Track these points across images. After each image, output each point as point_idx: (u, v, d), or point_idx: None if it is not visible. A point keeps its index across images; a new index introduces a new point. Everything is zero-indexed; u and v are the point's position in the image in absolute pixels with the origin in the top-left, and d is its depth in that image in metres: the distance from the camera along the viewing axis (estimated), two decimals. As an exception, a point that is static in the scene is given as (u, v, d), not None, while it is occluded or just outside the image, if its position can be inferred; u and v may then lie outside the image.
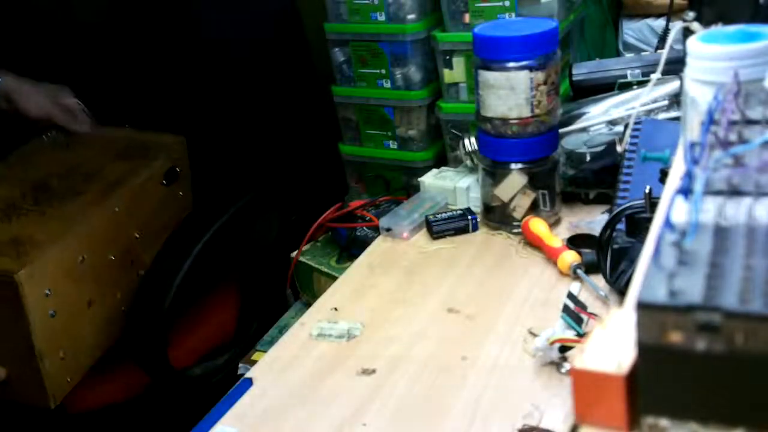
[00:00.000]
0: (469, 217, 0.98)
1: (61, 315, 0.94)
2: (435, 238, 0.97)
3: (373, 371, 0.74)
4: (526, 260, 0.90)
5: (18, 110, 1.11)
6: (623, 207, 0.76)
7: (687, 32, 0.74)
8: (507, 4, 1.05)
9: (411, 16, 1.13)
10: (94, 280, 1.01)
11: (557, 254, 0.85)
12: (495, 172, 0.95)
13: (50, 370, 0.93)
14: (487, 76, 0.90)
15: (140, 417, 1.12)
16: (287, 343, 0.81)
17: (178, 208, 1.20)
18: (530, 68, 0.87)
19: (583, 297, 0.79)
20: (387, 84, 1.18)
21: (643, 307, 0.26)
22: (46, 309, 0.92)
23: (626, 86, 1.04)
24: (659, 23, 1.81)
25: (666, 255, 0.29)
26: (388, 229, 1.00)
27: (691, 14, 0.76)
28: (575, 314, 0.74)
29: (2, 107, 1.10)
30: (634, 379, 0.28)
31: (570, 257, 0.83)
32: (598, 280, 0.80)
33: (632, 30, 1.90)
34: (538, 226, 0.90)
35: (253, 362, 0.96)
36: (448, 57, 1.12)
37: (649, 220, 0.72)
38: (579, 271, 0.82)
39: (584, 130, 0.97)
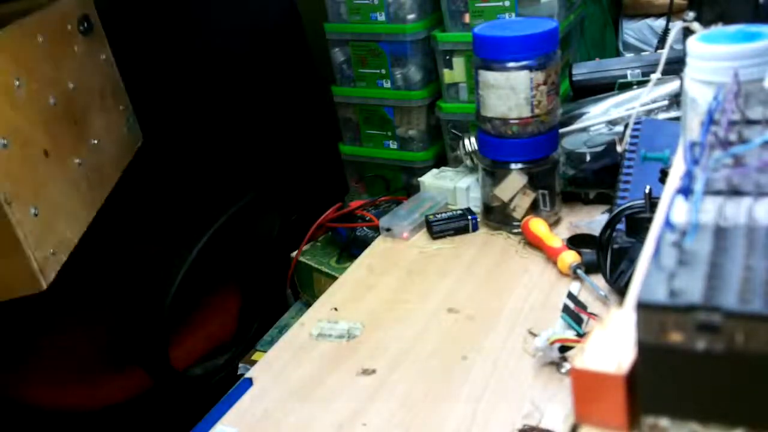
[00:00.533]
0: (469, 217, 0.98)
1: (14, 150, 0.83)
2: (435, 238, 0.97)
3: (373, 371, 0.74)
4: (526, 260, 0.90)
5: None
6: (623, 207, 0.76)
7: (687, 32, 0.74)
8: (507, 4, 1.05)
9: (411, 16, 1.13)
10: (40, 122, 0.92)
11: (557, 254, 0.85)
12: (495, 172, 0.95)
13: (24, 223, 0.80)
14: (487, 76, 0.90)
15: (140, 417, 1.12)
16: (287, 343, 0.81)
17: (104, 78, 1.15)
18: (530, 68, 0.87)
19: (583, 297, 0.79)
20: (387, 84, 1.18)
21: (643, 307, 0.26)
22: None
23: (626, 86, 1.04)
24: (659, 23, 1.81)
25: (666, 255, 0.29)
26: (388, 229, 1.00)
27: (691, 14, 0.76)
28: (575, 314, 0.74)
29: None
30: (634, 379, 0.28)
31: (570, 257, 0.83)
32: (598, 280, 0.80)
33: (632, 30, 1.91)
34: (538, 226, 0.90)
35: (253, 362, 0.96)
36: (448, 57, 1.12)
37: (649, 220, 0.72)
38: (579, 271, 0.82)
39: (584, 130, 0.97)
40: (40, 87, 0.93)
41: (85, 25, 1.13)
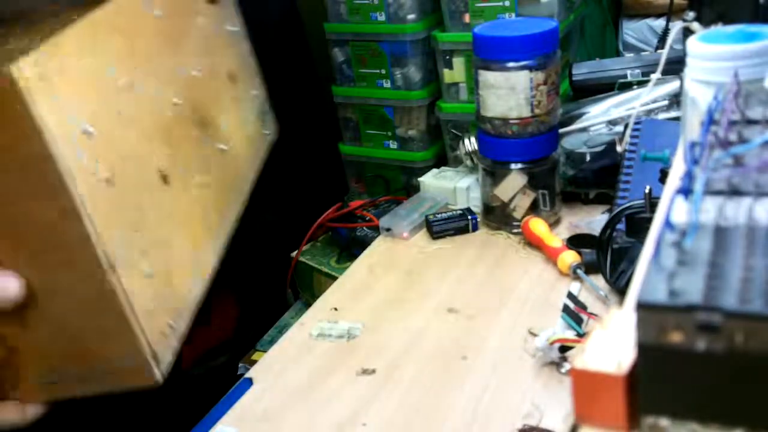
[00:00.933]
0: (469, 217, 0.98)
1: (122, 184, 0.57)
2: (435, 238, 0.97)
3: (373, 371, 0.74)
4: (526, 260, 0.90)
5: None
6: (623, 207, 0.76)
7: (687, 32, 0.74)
8: (507, 4, 1.05)
9: (411, 16, 1.13)
10: (159, 133, 0.66)
11: (557, 254, 0.85)
12: (495, 172, 0.95)
13: (133, 293, 0.55)
14: (487, 76, 0.90)
15: (139, 417, 1.12)
16: (287, 343, 0.81)
17: (233, 56, 0.86)
18: (530, 68, 0.87)
19: (583, 297, 0.79)
20: (387, 84, 1.18)
21: (643, 307, 0.26)
22: (89, 160, 0.53)
23: (626, 86, 1.04)
24: (659, 23, 1.81)
25: (666, 255, 0.29)
26: (388, 229, 1.00)
27: (691, 14, 0.76)
28: (575, 314, 0.74)
29: None
30: (634, 379, 0.28)
31: (570, 257, 0.83)
32: (598, 280, 0.80)
33: (632, 30, 1.91)
34: (538, 226, 0.90)
35: (253, 362, 0.96)
36: (448, 57, 1.12)
37: (649, 220, 0.72)
38: (579, 271, 0.82)
39: (584, 130, 0.97)
40: (159, 82, 0.69)
41: None
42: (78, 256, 0.52)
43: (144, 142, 0.63)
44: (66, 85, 0.53)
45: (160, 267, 0.61)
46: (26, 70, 0.49)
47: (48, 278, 0.54)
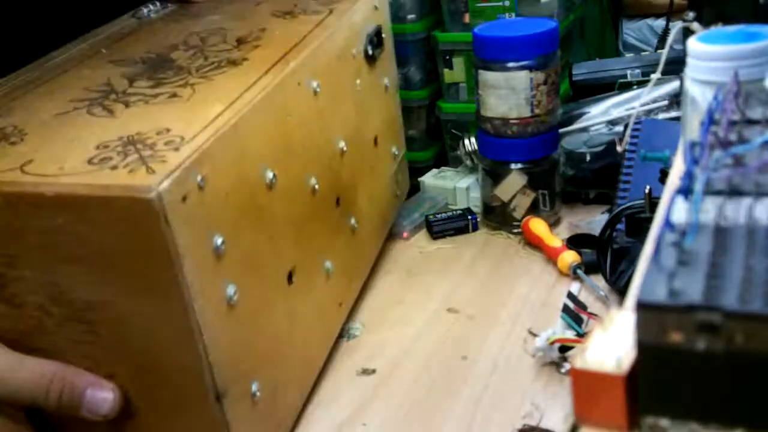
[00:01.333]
0: (469, 217, 0.98)
1: (245, 299, 0.54)
2: (435, 238, 0.97)
3: (373, 371, 0.74)
4: (526, 260, 0.90)
5: None
6: (623, 207, 0.76)
7: (687, 32, 0.74)
8: (507, 4, 1.05)
9: (411, 16, 1.13)
10: (288, 221, 0.60)
11: (557, 254, 0.85)
12: (495, 172, 0.95)
13: (238, 418, 0.53)
14: (487, 76, 0.90)
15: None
16: (287, 343, 0.81)
17: (383, 115, 0.81)
18: (530, 68, 0.87)
19: (583, 297, 0.79)
20: (387, 84, 1.18)
21: (643, 307, 0.26)
22: (216, 280, 0.50)
23: (626, 86, 1.04)
24: (659, 23, 1.81)
25: (666, 255, 0.29)
26: (388, 229, 1.00)
27: (691, 14, 0.76)
28: (575, 314, 0.74)
29: None
30: (634, 379, 0.28)
31: (570, 257, 0.83)
32: (598, 280, 0.80)
33: (632, 30, 1.91)
34: (538, 226, 0.90)
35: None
36: (448, 57, 1.12)
37: (649, 220, 0.72)
38: (579, 271, 0.82)
39: (584, 130, 0.97)
40: (303, 167, 0.64)
41: (375, 41, 0.80)
42: (186, 380, 0.51)
43: (275, 242, 0.59)
44: (207, 200, 0.49)
45: (267, 385, 0.57)
46: (168, 194, 0.45)
47: (152, 396, 0.53)
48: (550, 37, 0.88)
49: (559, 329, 0.71)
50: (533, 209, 0.95)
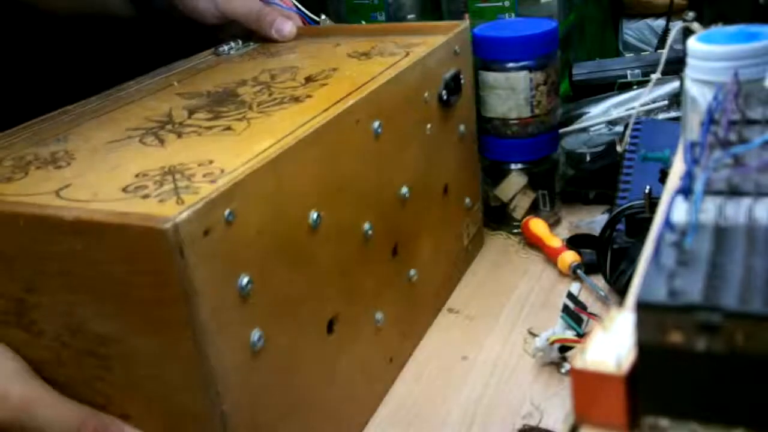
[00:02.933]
0: (469, 217, 0.98)
1: (275, 346, 0.50)
2: (435, 238, 0.97)
3: (373, 371, 0.74)
4: (526, 260, 0.90)
5: (197, 10, 0.86)
6: (623, 207, 0.76)
7: (687, 32, 0.74)
8: (507, 4, 1.05)
9: (411, 16, 1.13)
10: (333, 265, 0.57)
11: (557, 254, 0.85)
12: (495, 172, 0.95)
13: None
14: (487, 77, 0.90)
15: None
16: (287, 343, 0.81)
17: (454, 163, 0.78)
18: (530, 68, 0.87)
19: (583, 297, 0.79)
20: (387, 84, 1.18)
21: (643, 307, 0.26)
22: (239, 323, 0.48)
23: (626, 86, 1.04)
24: (659, 23, 1.81)
25: (666, 255, 0.29)
26: (388, 229, 1.00)
27: (691, 14, 0.76)
28: (575, 314, 0.74)
29: (176, 5, 0.85)
30: (634, 379, 0.28)
31: (570, 257, 0.83)
32: (598, 280, 0.80)
33: (632, 30, 1.91)
34: (538, 226, 0.90)
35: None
36: (448, 57, 1.12)
37: (649, 220, 0.72)
38: (579, 272, 0.82)
39: (584, 130, 0.97)
40: (355, 211, 0.60)
41: (452, 86, 0.76)
42: (196, 428, 0.48)
43: (315, 287, 0.55)
44: (234, 237, 0.46)
45: None
46: (186, 226, 0.42)
47: None
48: (550, 37, 0.88)
49: (559, 329, 0.71)
50: (533, 209, 0.95)
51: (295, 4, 0.90)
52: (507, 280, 0.86)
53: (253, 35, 0.89)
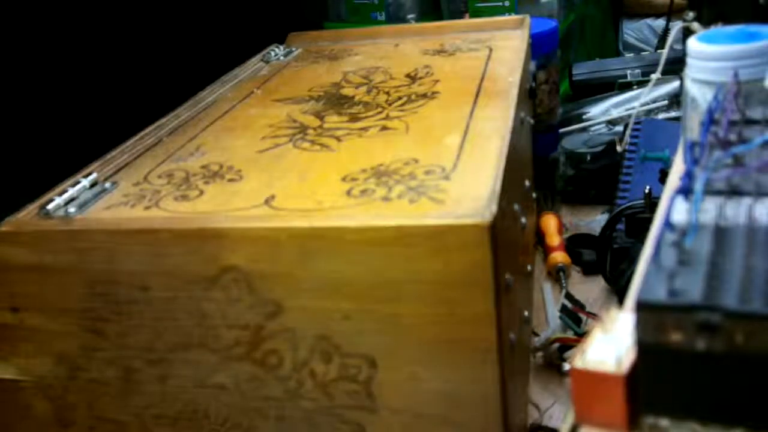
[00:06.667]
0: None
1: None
2: (435, 238, 0.97)
3: (373, 371, 0.74)
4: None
5: None
6: (623, 207, 0.76)
7: (687, 32, 0.74)
8: (507, 4, 1.05)
9: (411, 16, 1.13)
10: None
11: (551, 252, 0.84)
12: (495, 172, 0.95)
13: None
14: (487, 76, 0.90)
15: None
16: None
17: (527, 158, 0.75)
18: (530, 68, 0.87)
19: (583, 297, 0.79)
20: (387, 84, 1.18)
21: (643, 306, 0.26)
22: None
23: (626, 86, 1.04)
24: (659, 23, 1.81)
25: (666, 255, 0.29)
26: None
27: (691, 14, 0.76)
28: (573, 314, 0.74)
29: None
30: (634, 379, 0.28)
31: (559, 257, 0.82)
32: (598, 280, 0.80)
33: (632, 30, 1.91)
34: (549, 222, 0.89)
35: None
36: (448, 57, 1.12)
37: (649, 220, 0.72)
38: (561, 274, 0.81)
39: (584, 130, 0.97)
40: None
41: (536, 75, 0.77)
42: None
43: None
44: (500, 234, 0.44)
45: None
46: (493, 221, 0.41)
47: None
48: (550, 37, 0.88)
49: (558, 329, 0.71)
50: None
51: None
52: (507, 280, 0.86)
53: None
